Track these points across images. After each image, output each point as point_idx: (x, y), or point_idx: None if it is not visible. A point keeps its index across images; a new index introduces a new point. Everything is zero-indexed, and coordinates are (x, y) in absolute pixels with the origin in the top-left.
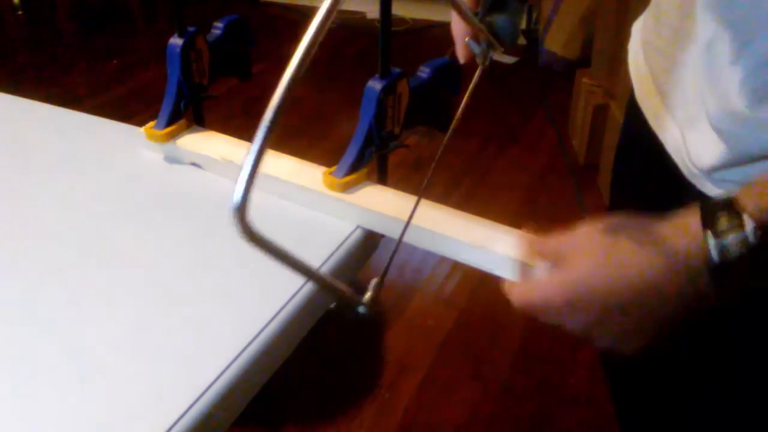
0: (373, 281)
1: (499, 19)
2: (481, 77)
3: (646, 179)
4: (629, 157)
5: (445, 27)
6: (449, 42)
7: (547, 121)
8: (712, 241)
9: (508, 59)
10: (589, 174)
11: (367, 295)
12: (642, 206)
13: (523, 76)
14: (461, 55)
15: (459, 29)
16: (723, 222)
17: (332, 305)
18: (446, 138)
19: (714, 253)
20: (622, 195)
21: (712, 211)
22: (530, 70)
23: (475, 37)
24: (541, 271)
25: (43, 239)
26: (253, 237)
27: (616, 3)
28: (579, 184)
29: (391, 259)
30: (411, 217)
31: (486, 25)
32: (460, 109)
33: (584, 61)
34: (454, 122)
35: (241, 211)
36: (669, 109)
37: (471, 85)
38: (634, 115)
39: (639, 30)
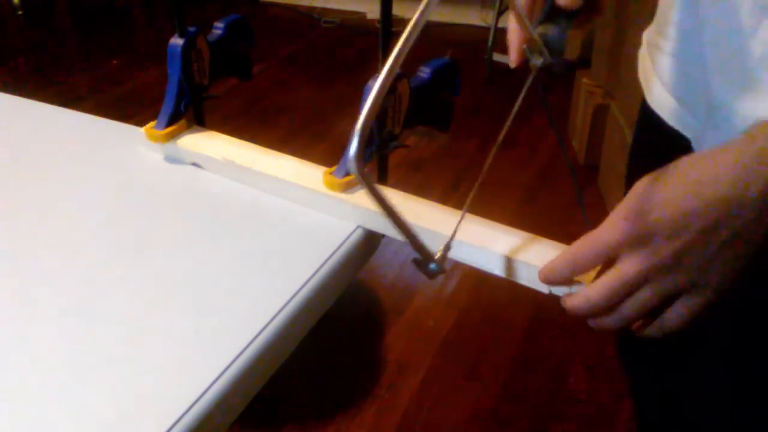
0: (444, 243)
1: (552, 31)
2: (534, 82)
3: None
4: (644, 163)
5: (445, 27)
6: (449, 42)
7: (547, 121)
8: None
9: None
10: (589, 174)
11: (438, 254)
12: None
13: (523, 76)
14: (513, 60)
15: (516, 37)
16: None
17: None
18: (496, 146)
19: None
20: None
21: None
22: (530, 69)
23: (529, 45)
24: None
25: (42, 239)
26: (368, 183)
27: (616, 3)
28: (579, 184)
29: (458, 225)
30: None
31: (539, 36)
32: (510, 117)
33: (584, 61)
34: (503, 132)
35: (357, 159)
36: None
37: (523, 90)
38: (647, 121)
39: (646, 36)
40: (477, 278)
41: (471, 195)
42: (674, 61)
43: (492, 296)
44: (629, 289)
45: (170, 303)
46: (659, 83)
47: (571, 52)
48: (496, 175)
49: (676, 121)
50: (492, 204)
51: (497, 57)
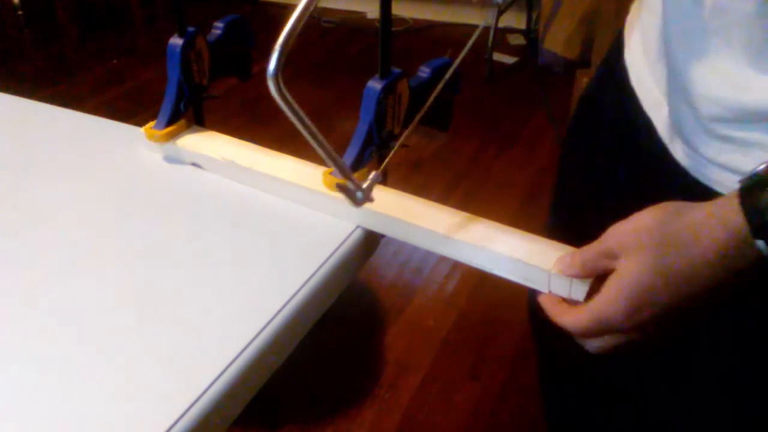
0: (374, 173)
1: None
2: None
3: (612, 160)
4: (588, 140)
5: (445, 27)
6: (449, 42)
7: (546, 121)
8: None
9: (508, 59)
10: None
11: (366, 184)
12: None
13: (523, 76)
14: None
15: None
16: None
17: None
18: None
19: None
20: (578, 175)
21: (751, 187)
22: (530, 70)
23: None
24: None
25: (42, 239)
26: (285, 99)
27: (616, 3)
28: None
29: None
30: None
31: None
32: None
33: (584, 61)
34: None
35: (276, 77)
36: (665, 84)
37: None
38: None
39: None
40: (477, 278)
41: None
42: (644, 26)
43: (492, 296)
44: (599, 334)
45: (170, 303)
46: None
47: (571, 52)
48: (496, 175)
49: (653, 107)
50: (492, 204)
51: (497, 57)
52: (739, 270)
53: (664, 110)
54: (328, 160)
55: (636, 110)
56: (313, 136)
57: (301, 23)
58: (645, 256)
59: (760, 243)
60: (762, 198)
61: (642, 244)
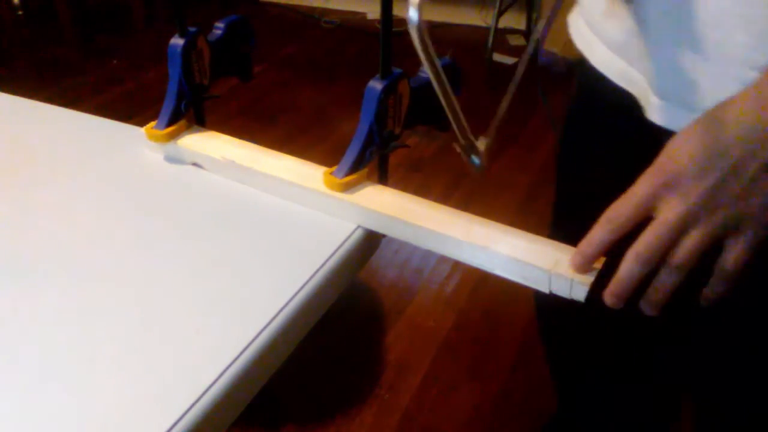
0: (483, 138)
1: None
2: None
3: (606, 143)
4: (586, 124)
5: (445, 27)
6: (449, 42)
7: (546, 121)
8: None
9: (508, 60)
10: None
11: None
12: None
13: (523, 76)
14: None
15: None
16: None
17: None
18: None
19: None
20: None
21: None
22: (530, 70)
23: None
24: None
25: (42, 239)
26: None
27: None
28: None
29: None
30: None
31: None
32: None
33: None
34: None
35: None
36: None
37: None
38: (587, 85)
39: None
40: (477, 278)
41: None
42: (619, 21)
43: (492, 296)
44: (674, 233)
45: (170, 303)
46: (603, 45)
47: (572, 52)
48: (496, 175)
49: (622, 79)
50: (492, 204)
51: (497, 57)
52: None
53: (645, 84)
54: (454, 124)
55: (618, 97)
56: (446, 95)
57: None
58: (684, 205)
59: None
60: None
61: (678, 190)
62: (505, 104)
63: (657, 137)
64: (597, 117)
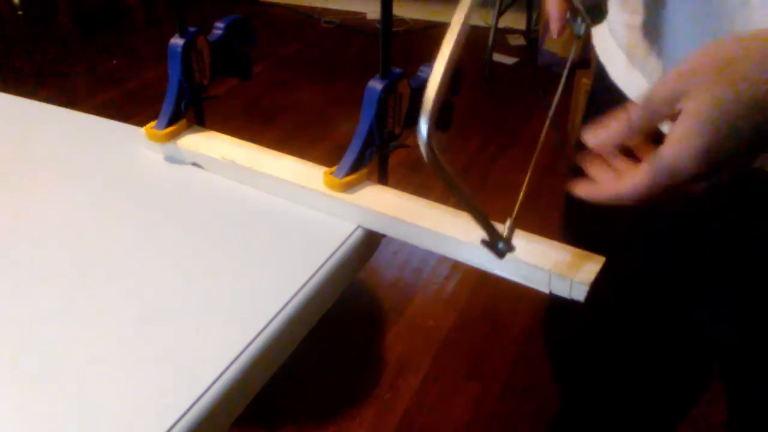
0: (509, 221)
1: None
2: (578, 52)
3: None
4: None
5: (445, 27)
6: None
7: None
8: None
9: (508, 60)
10: None
11: (505, 233)
12: None
13: (523, 76)
14: (555, 30)
15: (556, 6)
16: None
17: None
18: None
19: None
20: None
21: None
22: (530, 70)
23: (571, 11)
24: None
25: (42, 239)
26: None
27: None
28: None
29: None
30: None
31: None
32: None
33: (584, 61)
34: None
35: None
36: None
37: (568, 61)
38: (604, 99)
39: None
40: (477, 278)
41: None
42: (642, 33)
43: (492, 296)
44: (663, 192)
45: (170, 303)
46: (624, 59)
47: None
48: (496, 175)
49: (629, 86)
50: (492, 204)
51: (497, 57)
52: None
53: None
54: (478, 223)
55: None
56: (464, 199)
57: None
58: (718, 87)
59: None
60: None
61: (710, 78)
62: (529, 173)
63: None
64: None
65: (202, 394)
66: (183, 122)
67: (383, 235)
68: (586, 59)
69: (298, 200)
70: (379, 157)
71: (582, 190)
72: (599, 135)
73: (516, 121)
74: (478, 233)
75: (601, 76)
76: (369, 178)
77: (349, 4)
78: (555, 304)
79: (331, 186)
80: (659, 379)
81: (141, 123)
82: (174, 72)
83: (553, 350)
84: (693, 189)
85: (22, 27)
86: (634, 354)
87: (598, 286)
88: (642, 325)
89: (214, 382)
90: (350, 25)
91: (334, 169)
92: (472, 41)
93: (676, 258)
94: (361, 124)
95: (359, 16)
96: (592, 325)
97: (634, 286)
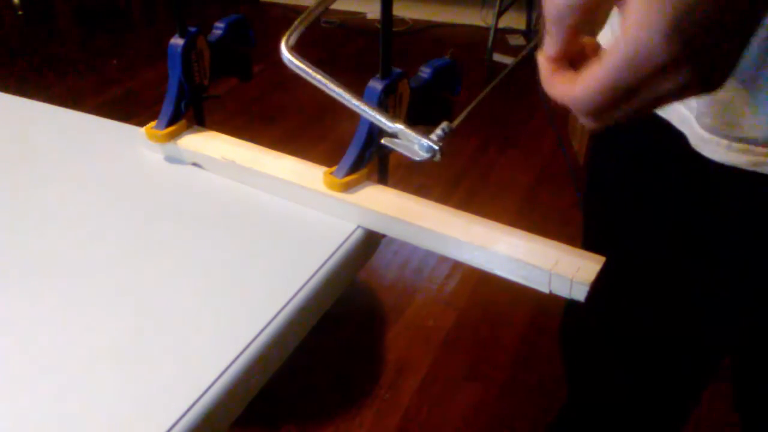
0: (445, 124)
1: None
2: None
3: (635, 164)
4: (614, 151)
5: (445, 27)
6: (449, 42)
7: (546, 122)
8: None
9: (508, 60)
10: None
11: (438, 134)
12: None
13: (523, 76)
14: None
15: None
16: None
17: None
18: None
19: None
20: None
21: None
22: (530, 70)
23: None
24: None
25: (42, 239)
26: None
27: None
28: (579, 184)
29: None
30: None
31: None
32: None
33: None
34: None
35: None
36: None
37: None
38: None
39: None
40: (477, 278)
41: None
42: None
43: (492, 296)
44: (630, 89)
45: (169, 303)
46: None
47: None
48: (497, 175)
49: (665, 111)
50: (492, 204)
51: (497, 57)
52: None
53: (694, 123)
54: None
55: (661, 131)
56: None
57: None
58: None
59: None
60: None
61: None
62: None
63: (702, 166)
64: (629, 143)
65: (202, 394)
66: (183, 122)
67: (383, 235)
68: None
69: (298, 200)
70: (380, 157)
71: (541, 61)
72: (546, 50)
73: (516, 121)
74: (479, 233)
75: None
76: (369, 178)
77: (349, 4)
78: (574, 303)
79: (331, 186)
80: (660, 378)
81: (141, 123)
82: (174, 72)
83: (567, 349)
84: (666, 85)
85: (22, 27)
86: (634, 353)
87: (598, 285)
88: (642, 323)
89: (214, 383)
90: (350, 25)
91: (334, 169)
92: (472, 41)
93: (677, 253)
94: (361, 124)
95: (359, 16)
96: (596, 322)
97: (634, 283)
